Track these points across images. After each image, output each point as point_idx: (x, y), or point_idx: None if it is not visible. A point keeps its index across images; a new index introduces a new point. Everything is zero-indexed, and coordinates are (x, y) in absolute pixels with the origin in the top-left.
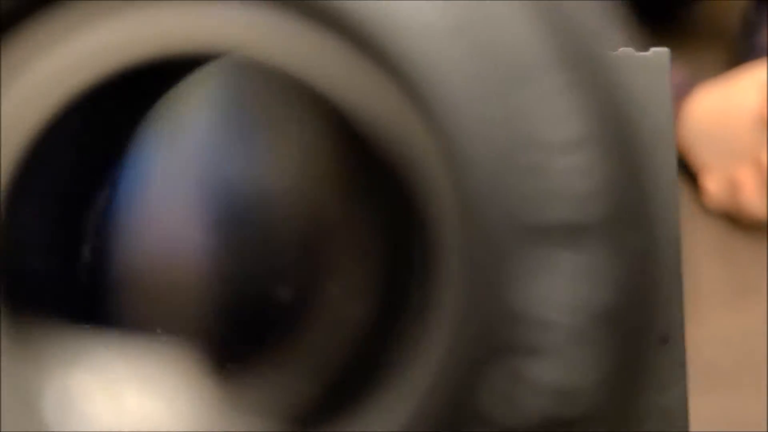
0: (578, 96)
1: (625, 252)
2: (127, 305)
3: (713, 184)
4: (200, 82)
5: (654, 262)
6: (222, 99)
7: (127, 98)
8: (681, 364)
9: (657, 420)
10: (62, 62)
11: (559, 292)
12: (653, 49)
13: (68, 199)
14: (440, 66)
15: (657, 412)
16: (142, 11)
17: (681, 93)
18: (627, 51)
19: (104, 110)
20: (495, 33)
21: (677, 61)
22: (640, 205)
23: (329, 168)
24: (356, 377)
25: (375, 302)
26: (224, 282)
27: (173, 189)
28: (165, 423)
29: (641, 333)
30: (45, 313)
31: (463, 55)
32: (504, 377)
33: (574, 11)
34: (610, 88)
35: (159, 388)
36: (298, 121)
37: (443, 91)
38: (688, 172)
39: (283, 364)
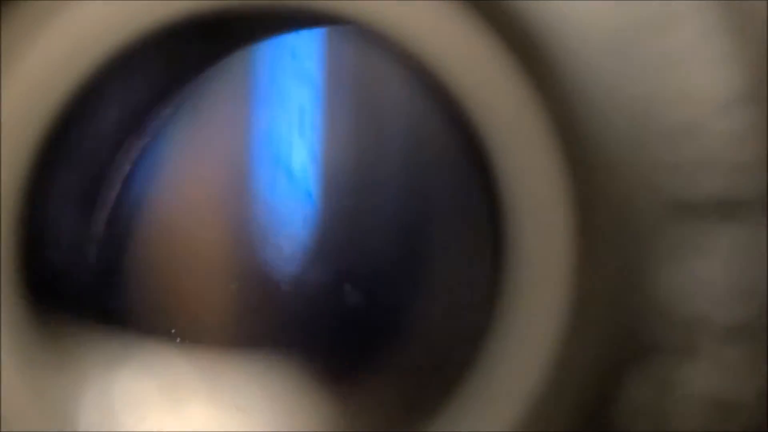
0: (732, 41)
1: None
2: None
3: None
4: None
5: None
6: (317, 73)
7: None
8: None
9: None
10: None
11: (714, 277)
12: None
13: (95, 185)
14: (567, 16)
15: None
16: None
17: None
18: None
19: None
20: None
21: None
22: None
23: (435, 154)
24: (456, 383)
25: (485, 299)
26: (319, 287)
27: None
28: None
29: None
30: (74, 311)
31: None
32: (647, 384)
33: None
34: (757, 36)
35: (233, 400)
36: (406, 103)
37: (573, 43)
38: None
39: (392, 373)
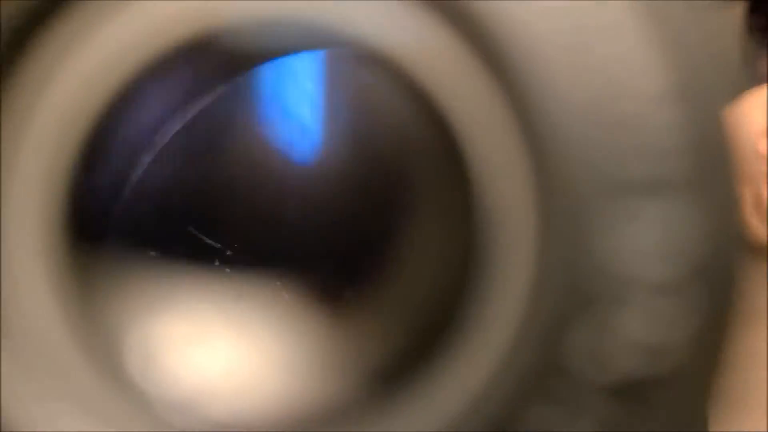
0: (665, 47)
1: (710, 206)
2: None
3: None
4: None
5: (737, 219)
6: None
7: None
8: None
9: None
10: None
11: (644, 241)
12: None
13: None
14: (525, 19)
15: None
16: None
17: None
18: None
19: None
20: None
21: None
22: (722, 162)
23: (416, 144)
24: (439, 330)
25: (458, 254)
26: (321, 216)
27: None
28: (257, 373)
29: (728, 288)
30: (112, 255)
31: (541, 9)
32: (590, 332)
33: None
34: (694, 45)
35: (253, 333)
36: (391, 106)
37: (529, 42)
38: None
39: (374, 310)
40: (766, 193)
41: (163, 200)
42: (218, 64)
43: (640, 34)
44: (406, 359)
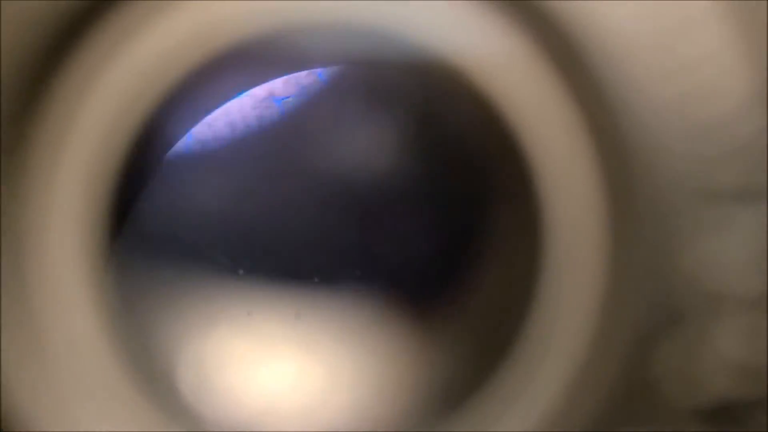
0: (750, 46)
1: None
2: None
3: None
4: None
5: None
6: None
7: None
8: None
9: None
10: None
11: (736, 253)
12: None
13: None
14: (597, 14)
15: None
16: None
17: None
18: None
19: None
20: None
21: None
22: None
23: (484, 157)
24: (507, 345)
25: (526, 268)
26: (387, 232)
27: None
28: (324, 390)
29: None
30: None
31: (624, 4)
32: (679, 350)
33: None
34: None
35: (317, 350)
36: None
37: (609, 43)
38: None
39: (444, 325)
40: None
41: (217, 214)
42: (265, 71)
43: (723, 33)
44: (475, 376)
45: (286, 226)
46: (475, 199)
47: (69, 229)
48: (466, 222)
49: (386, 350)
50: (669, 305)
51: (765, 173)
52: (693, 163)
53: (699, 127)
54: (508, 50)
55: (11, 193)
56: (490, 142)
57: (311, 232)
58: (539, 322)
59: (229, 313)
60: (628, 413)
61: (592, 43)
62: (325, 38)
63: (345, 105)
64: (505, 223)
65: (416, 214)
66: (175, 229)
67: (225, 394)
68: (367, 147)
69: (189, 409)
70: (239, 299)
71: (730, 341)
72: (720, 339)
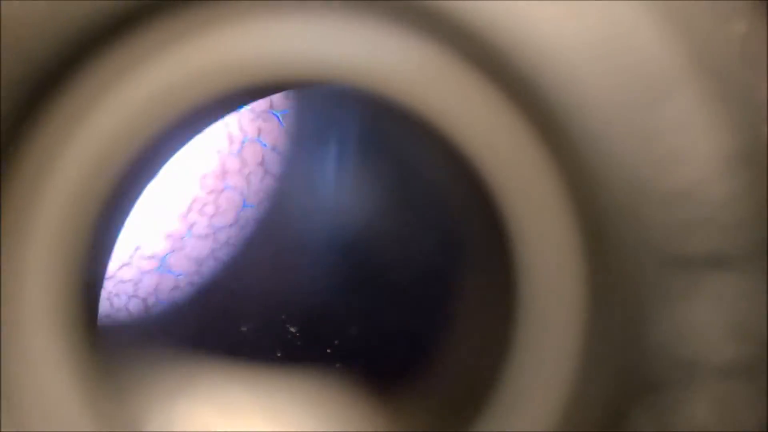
0: (725, 108)
1: None
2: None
3: None
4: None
5: None
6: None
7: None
8: None
9: None
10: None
11: (708, 319)
12: None
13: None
14: (574, 85)
15: None
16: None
17: None
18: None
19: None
20: (628, 47)
21: None
22: None
23: (458, 215)
24: (476, 413)
25: (499, 332)
26: (357, 295)
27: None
28: None
29: None
30: (133, 345)
31: (598, 73)
32: (651, 421)
33: (703, 12)
34: (750, 101)
35: (288, 419)
36: (420, 160)
37: (577, 111)
38: None
39: (414, 391)
40: None
41: (188, 287)
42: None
43: (697, 95)
44: None
45: (248, 297)
46: (447, 266)
47: (44, 302)
48: (435, 293)
49: (353, 420)
50: (642, 373)
51: (736, 239)
52: (666, 228)
53: (672, 193)
54: (480, 106)
55: None
56: (466, 202)
57: (275, 306)
58: (508, 390)
59: (196, 383)
60: None
61: (574, 121)
62: (300, 93)
63: (311, 163)
64: (479, 291)
65: (386, 283)
66: (153, 302)
67: None
68: (337, 210)
69: None
70: (206, 370)
71: (703, 410)
72: (693, 407)
